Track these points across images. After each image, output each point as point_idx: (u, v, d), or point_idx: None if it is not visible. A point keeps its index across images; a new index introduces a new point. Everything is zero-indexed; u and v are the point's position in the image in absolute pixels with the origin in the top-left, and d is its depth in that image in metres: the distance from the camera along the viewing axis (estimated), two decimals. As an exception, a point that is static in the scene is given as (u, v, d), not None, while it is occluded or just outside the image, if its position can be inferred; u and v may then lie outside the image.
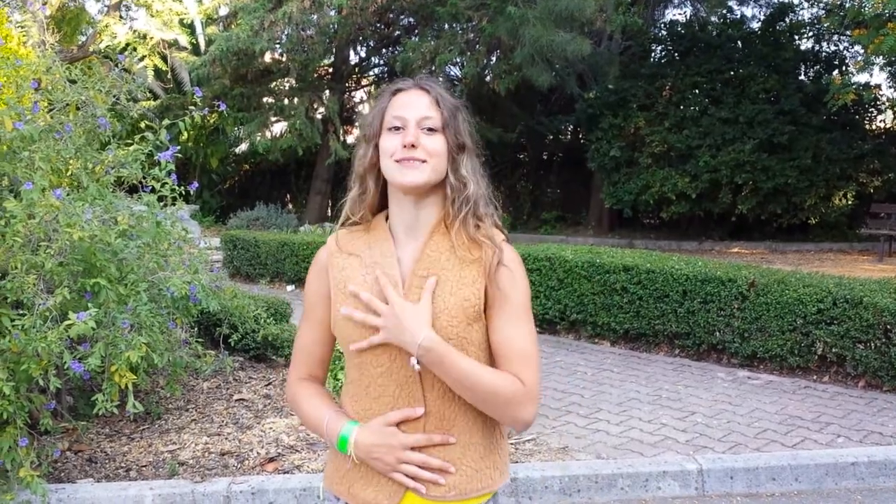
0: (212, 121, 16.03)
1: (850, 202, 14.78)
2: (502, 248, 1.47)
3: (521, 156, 18.96)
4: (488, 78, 15.08)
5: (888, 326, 4.89)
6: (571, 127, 18.17)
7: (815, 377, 5.33)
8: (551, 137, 18.48)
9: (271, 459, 3.74)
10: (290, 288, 9.37)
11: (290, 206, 18.32)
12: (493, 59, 14.94)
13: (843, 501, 3.69)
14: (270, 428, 4.13)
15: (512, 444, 4.11)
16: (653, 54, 16.53)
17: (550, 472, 3.72)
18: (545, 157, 19.32)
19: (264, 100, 14.90)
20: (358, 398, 1.49)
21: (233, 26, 13.12)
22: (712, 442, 4.20)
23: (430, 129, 1.44)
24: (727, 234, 14.58)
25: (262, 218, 12.67)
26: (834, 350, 5.17)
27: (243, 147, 18.25)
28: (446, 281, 1.44)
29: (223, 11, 14.44)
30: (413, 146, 1.42)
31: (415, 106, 1.45)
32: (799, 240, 13.97)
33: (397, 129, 1.44)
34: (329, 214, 17.04)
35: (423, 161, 1.42)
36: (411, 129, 1.43)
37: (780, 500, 3.73)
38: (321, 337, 1.57)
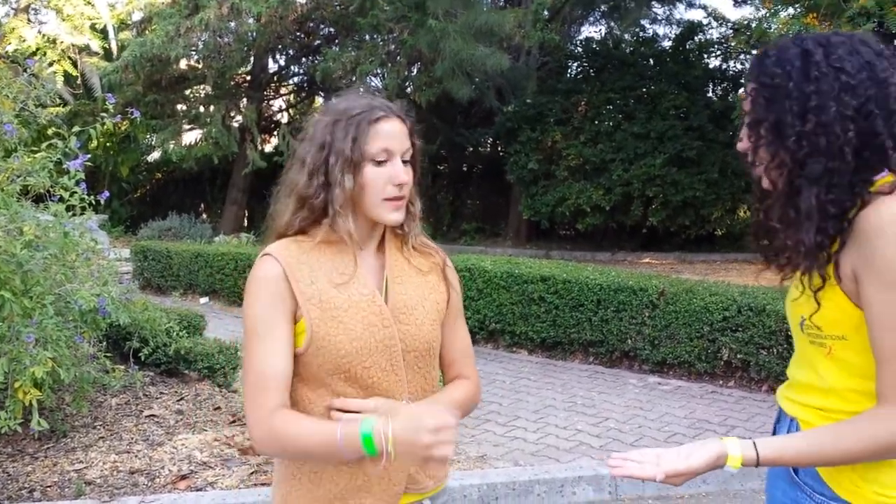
0: (123, 128, 15.53)
1: (754, 215, 15.49)
2: (440, 250, 1.57)
3: (442, 167, 19.10)
4: (409, 90, 15.15)
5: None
6: (491, 140, 18.42)
7: (721, 382, 5.56)
8: (471, 149, 18.70)
9: (183, 477, 3.64)
10: (203, 300, 9.16)
11: (205, 215, 17.90)
12: (415, 71, 15.04)
13: (748, 502, 3.85)
14: (182, 444, 4.03)
15: (431, 453, 4.13)
16: (569, 70, 16.94)
17: (469, 481, 3.76)
18: (465, 169, 19.52)
19: (178, 107, 14.58)
20: (330, 398, 1.42)
21: (147, 32, 12.80)
22: (625, 447, 4.33)
23: (405, 162, 1.44)
24: (639, 245, 15.04)
25: (175, 228, 12.34)
26: (739, 356, 5.40)
27: (156, 155, 17.76)
28: (417, 287, 1.50)
29: (137, 17, 14.07)
30: (402, 185, 1.42)
31: (397, 137, 1.43)
32: (706, 250, 14.53)
33: (382, 161, 1.42)
34: (245, 224, 16.75)
35: (405, 198, 1.45)
36: (399, 166, 1.43)
37: (689, 501, 3.87)
38: (288, 360, 1.41)
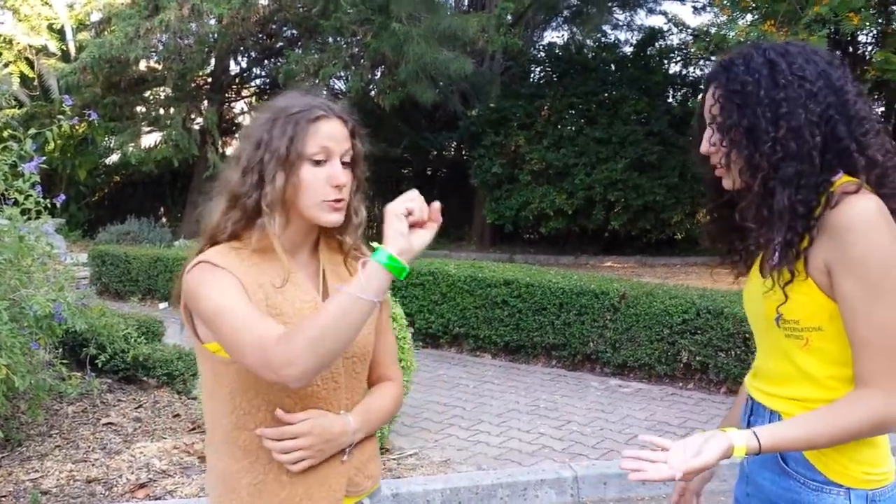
0: (81, 130, 15.26)
1: (713, 219, 15.74)
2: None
3: (406, 171, 19.08)
4: (373, 93, 15.12)
5: (746, 335, 5.24)
6: (455, 143, 18.46)
7: (680, 384, 5.64)
8: (435, 153, 18.71)
9: (142, 485, 3.59)
10: (162, 305, 9.02)
11: (165, 219, 17.65)
12: (378, 74, 15.00)
13: (708, 501, 3.91)
14: (141, 452, 3.97)
15: (394, 459, 4.12)
16: (532, 75, 17.05)
17: (432, 486, 3.76)
18: (429, 173, 19.53)
19: (138, 109, 14.34)
20: (267, 409, 1.39)
21: (106, 33, 12.57)
22: (587, 449, 4.37)
23: (345, 164, 1.42)
24: (601, 248, 15.17)
25: (134, 232, 12.12)
26: (698, 358, 5.48)
27: (114, 158, 17.44)
28: None
29: (95, 17, 13.81)
30: (340, 187, 1.40)
31: (337, 138, 1.41)
32: (667, 254, 14.71)
33: (320, 162, 1.39)
34: (207, 228, 16.52)
35: (344, 200, 1.42)
36: (338, 166, 1.40)
37: (649, 503, 3.92)
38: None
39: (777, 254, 1.39)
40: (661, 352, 5.63)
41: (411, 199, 1.29)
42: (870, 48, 14.22)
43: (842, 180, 1.37)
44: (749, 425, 1.53)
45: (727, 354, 5.34)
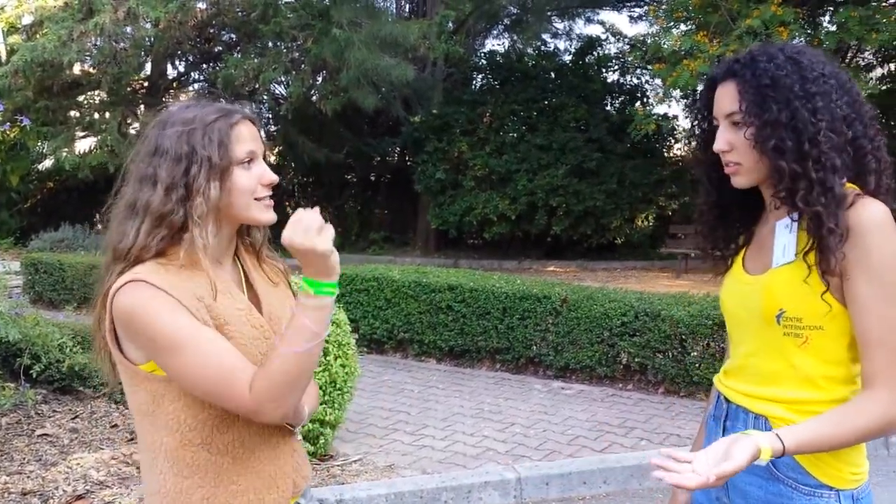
0: (13, 135, 14.76)
1: (651, 224, 16.10)
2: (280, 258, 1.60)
3: (349, 176, 18.99)
4: (315, 98, 15.01)
5: (683, 337, 5.38)
6: (398, 149, 18.47)
7: (620, 385, 5.76)
8: (379, 159, 18.68)
9: (79, 497, 3.50)
10: (101, 314, 8.80)
11: (100, 226, 17.19)
12: (320, 79, 14.91)
13: (647, 501, 4.01)
14: (78, 464, 3.87)
15: (338, 465, 4.11)
16: (474, 82, 17.20)
17: (377, 491, 3.76)
18: (373, 179, 19.47)
19: (72, 113, 13.94)
20: (229, 431, 1.40)
21: (38, 36, 12.19)
22: (530, 451, 4.43)
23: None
24: (544, 253, 15.37)
25: (69, 239, 11.78)
26: (637, 360, 5.61)
27: (48, 164, 16.93)
28: (276, 296, 1.53)
29: (27, 20, 13.39)
30: (272, 184, 1.42)
31: (256, 139, 1.43)
32: (607, 258, 14.99)
33: (248, 163, 1.41)
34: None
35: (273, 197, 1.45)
36: (264, 166, 1.43)
37: (590, 502, 3.99)
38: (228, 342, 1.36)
39: (831, 241, 1.36)
40: (601, 354, 5.75)
41: (298, 221, 1.29)
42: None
43: (847, 185, 1.40)
44: (724, 430, 1.53)
45: (664, 356, 5.48)
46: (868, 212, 1.35)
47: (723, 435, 1.52)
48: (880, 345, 1.34)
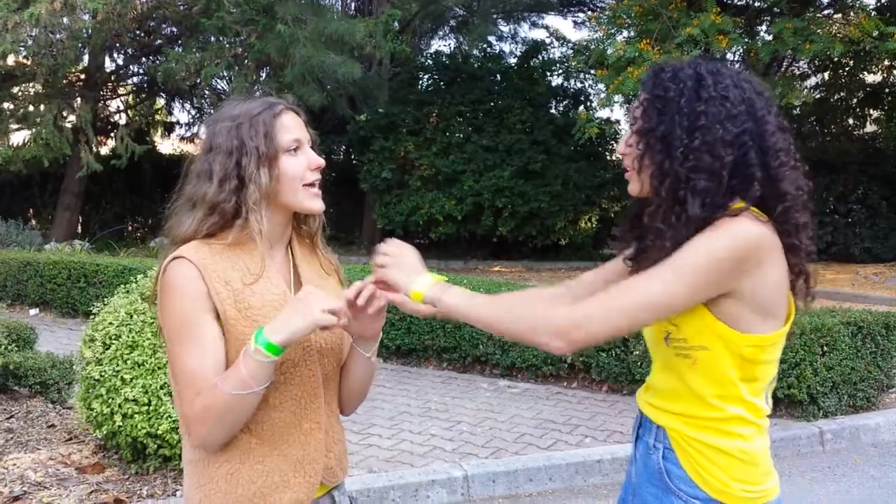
0: (-61, 126, 14.18)
1: (594, 225, 16.35)
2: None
3: (293, 174, 18.81)
4: (258, 94, 14.79)
5: (626, 336, 5.48)
6: (344, 147, 18.35)
7: (565, 384, 5.84)
8: (324, 157, 18.51)
9: (16, 498, 3.39)
10: (33, 311, 8.52)
11: (34, 221, 16.64)
12: (263, 75, 14.71)
13: (592, 497, 4.07)
14: (14, 464, 3.74)
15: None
16: (420, 82, 17.20)
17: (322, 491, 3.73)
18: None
19: (5, 105, 13.46)
20: (255, 413, 1.46)
21: (-31, 24, 11.72)
22: (477, 448, 4.45)
23: (312, 149, 1.54)
24: (490, 253, 15.46)
25: (1, 235, 11.39)
26: (581, 358, 5.70)
27: (-22, 157, 16.33)
28: (324, 287, 1.57)
29: (-44, 7, 12.87)
30: (319, 168, 1.52)
31: (301, 127, 1.53)
32: (552, 259, 15.16)
33: (294, 150, 1.50)
34: (79, 231, 15.72)
35: (320, 184, 1.54)
36: (311, 152, 1.53)
37: (537, 499, 4.04)
38: (217, 356, 1.43)
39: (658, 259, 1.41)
40: (546, 353, 5.81)
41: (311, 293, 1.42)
42: (738, 66, 15.16)
43: (737, 205, 1.41)
44: (637, 438, 1.59)
45: (608, 354, 5.57)
46: (718, 224, 1.37)
47: (635, 442, 1.60)
48: (615, 295, 1.39)
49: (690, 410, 1.47)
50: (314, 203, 1.53)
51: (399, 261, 1.49)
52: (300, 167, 1.50)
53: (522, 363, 5.92)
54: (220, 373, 1.42)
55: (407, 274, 1.45)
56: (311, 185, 1.52)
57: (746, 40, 11.66)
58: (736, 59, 15.27)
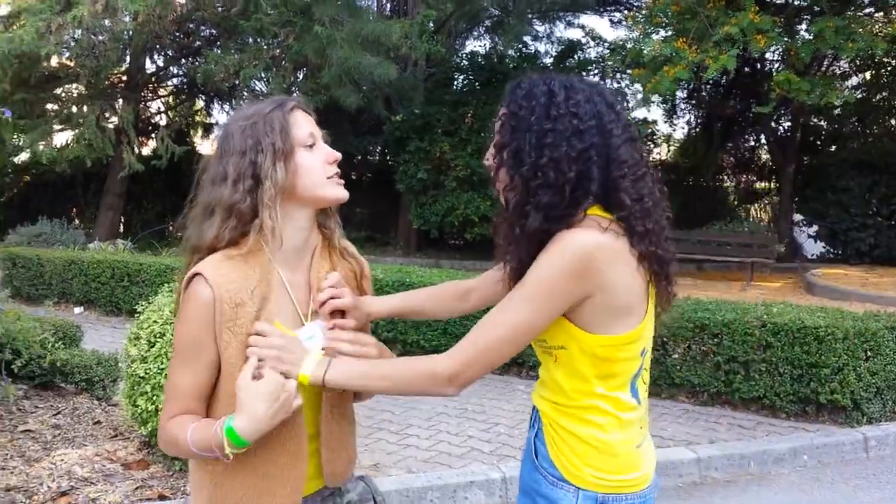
0: (-12, 127, 14.55)
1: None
2: (361, 260, 1.68)
3: (329, 175, 18.92)
4: (295, 95, 14.91)
5: (665, 339, 5.44)
6: (380, 148, 18.44)
7: (603, 386, 5.80)
8: (360, 158, 18.64)
9: (63, 493, 3.48)
10: (77, 310, 8.71)
11: (78, 221, 17.00)
12: (301, 76, 14.85)
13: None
14: (62, 460, 3.83)
15: (324, 463, 4.11)
16: (455, 82, 17.22)
17: (363, 489, 3.76)
18: (354, 178, 19.42)
19: (49, 106, 13.77)
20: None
21: (15, 27, 12.03)
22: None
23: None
24: (524, 254, 15.42)
25: (46, 234, 11.64)
26: (619, 361, 5.65)
27: (24, 157, 16.70)
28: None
29: (3, 11, 13.20)
30: (336, 161, 1.52)
31: (312, 123, 1.53)
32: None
33: (311, 146, 1.50)
34: (121, 231, 16.01)
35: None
36: (327, 146, 1.52)
37: None
38: (208, 379, 1.47)
39: (510, 274, 1.53)
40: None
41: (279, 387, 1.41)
42: (776, 65, 14.95)
43: (591, 210, 1.48)
44: (532, 422, 1.68)
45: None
46: (556, 239, 1.44)
47: (529, 426, 1.69)
48: (475, 330, 1.48)
49: (555, 397, 1.57)
50: (337, 191, 1.51)
51: (282, 349, 1.45)
52: (317, 160, 1.50)
53: (559, 365, 5.90)
54: (203, 396, 1.46)
55: (291, 362, 1.45)
56: (331, 177, 1.51)
57: (786, 39, 11.48)
58: (775, 57, 15.06)
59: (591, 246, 1.42)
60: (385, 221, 17.73)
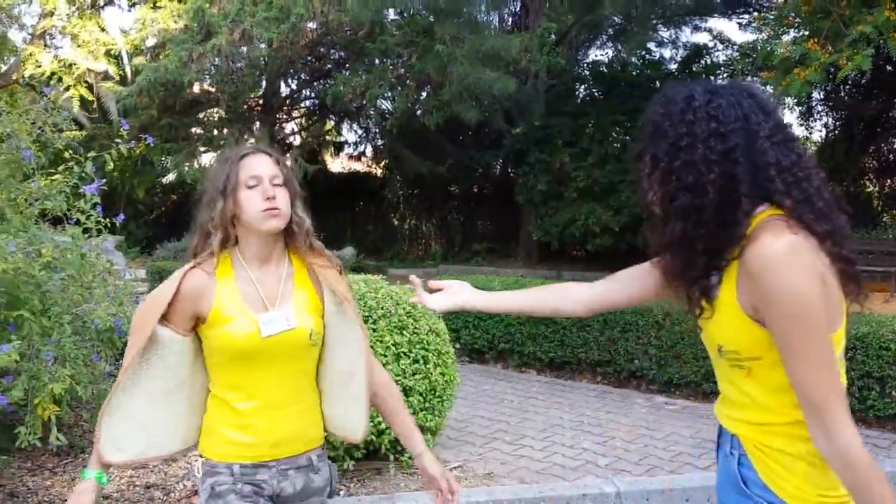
0: (139, 151, 15.79)
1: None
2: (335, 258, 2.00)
3: (452, 189, 19.23)
4: (419, 112, 15.31)
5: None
6: (500, 161, 18.56)
7: (727, 402, 5.59)
8: (481, 171, 18.83)
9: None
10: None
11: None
12: (423, 94, 15.21)
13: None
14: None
15: (438, 471, 4.19)
16: (577, 93, 17.08)
17: (475, 498, 3.81)
18: (475, 191, 19.64)
19: (193, 130, 14.79)
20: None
21: (160, 57, 13.03)
22: (630, 465, 4.38)
23: (277, 185, 1.84)
24: (649, 265, 15.04)
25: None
26: (744, 376, 5.44)
27: (171, 177, 18.00)
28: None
29: (150, 42, 14.33)
30: (272, 198, 1.81)
31: (264, 166, 1.85)
32: (716, 271, 14.51)
33: (253, 186, 1.82)
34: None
35: (279, 209, 1.82)
36: (268, 185, 1.83)
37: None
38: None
39: (685, 284, 1.48)
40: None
41: None
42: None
43: (765, 213, 1.40)
44: (718, 448, 1.60)
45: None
46: (765, 249, 1.35)
47: (717, 453, 1.61)
48: (797, 382, 1.37)
49: (755, 417, 1.48)
50: (269, 223, 1.82)
51: None
52: (255, 197, 1.81)
53: (680, 379, 5.75)
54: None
55: None
56: (267, 210, 1.80)
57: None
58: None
59: (799, 244, 1.35)
60: (506, 233, 17.79)
